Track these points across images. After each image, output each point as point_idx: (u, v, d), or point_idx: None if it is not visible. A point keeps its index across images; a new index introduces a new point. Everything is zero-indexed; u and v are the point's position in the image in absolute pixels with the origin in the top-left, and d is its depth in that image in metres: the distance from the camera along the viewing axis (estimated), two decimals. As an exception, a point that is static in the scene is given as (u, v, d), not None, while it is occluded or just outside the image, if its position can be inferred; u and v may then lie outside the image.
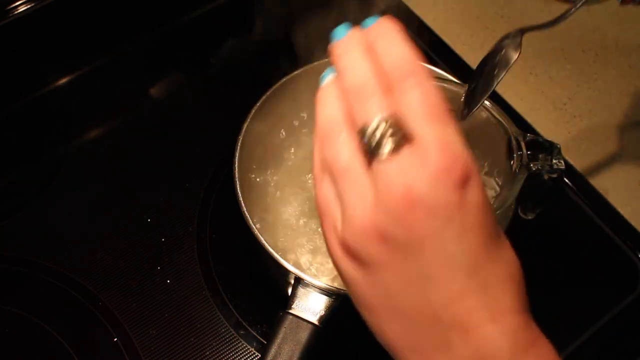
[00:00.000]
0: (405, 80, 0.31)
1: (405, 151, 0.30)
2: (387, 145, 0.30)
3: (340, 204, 0.32)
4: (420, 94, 0.31)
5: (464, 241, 0.30)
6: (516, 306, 0.31)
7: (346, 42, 0.34)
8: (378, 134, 0.30)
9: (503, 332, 0.30)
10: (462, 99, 0.48)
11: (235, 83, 0.76)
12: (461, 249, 0.30)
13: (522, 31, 0.48)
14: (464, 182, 0.30)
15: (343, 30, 0.35)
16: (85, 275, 0.63)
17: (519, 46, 0.47)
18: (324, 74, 0.35)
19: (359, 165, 0.31)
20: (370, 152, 0.30)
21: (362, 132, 0.31)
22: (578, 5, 0.48)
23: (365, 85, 0.32)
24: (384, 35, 0.33)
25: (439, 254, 0.30)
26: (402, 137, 0.30)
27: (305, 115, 0.65)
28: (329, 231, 0.33)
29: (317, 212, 0.34)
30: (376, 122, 0.30)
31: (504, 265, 0.31)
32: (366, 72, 0.32)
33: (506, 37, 0.48)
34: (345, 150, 0.31)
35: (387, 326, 0.32)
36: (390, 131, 0.30)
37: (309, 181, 0.64)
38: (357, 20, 0.61)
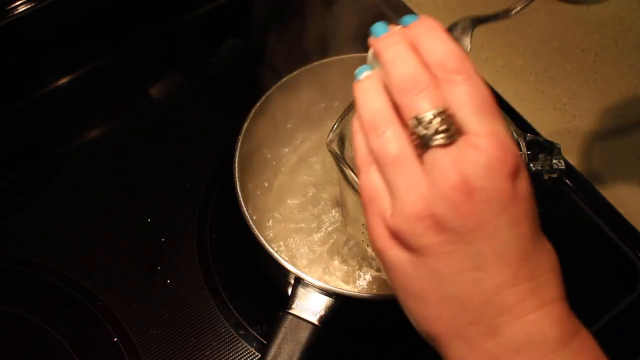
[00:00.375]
0: (457, 74, 0.32)
1: (460, 142, 0.31)
2: (441, 136, 0.31)
3: (391, 192, 0.33)
4: (472, 87, 0.32)
5: (515, 230, 0.31)
6: (560, 295, 0.32)
7: (390, 36, 0.35)
8: (433, 126, 0.31)
9: (552, 319, 0.31)
10: None
11: (235, 83, 0.76)
12: (513, 238, 0.31)
13: (474, 21, 0.44)
14: (515, 173, 0.31)
15: (382, 26, 0.36)
16: (85, 275, 0.63)
17: (469, 39, 0.43)
18: (359, 68, 0.36)
19: (411, 155, 0.32)
20: (424, 143, 0.31)
21: (413, 124, 0.32)
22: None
23: (417, 78, 0.32)
24: (429, 32, 0.34)
25: (493, 242, 0.31)
26: (455, 129, 0.31)
27: (313, 110, 0.65)
28: (376, 219, 0.33)
29: (361, 200, 0.35)
30: (431, 114, 0.31)
31: (547, 256, 0.33)
32: (416, 65, 0.33)
33: (454, 25, 0.45)
34: (396, 141, 0.33)
35: (433, 312, 0.32)
36: (444, 123, 0.31)
37: (308, 181, 0.64)
38: (355, 21, 0.61)
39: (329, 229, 0.61)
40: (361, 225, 0.51)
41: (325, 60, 0.60)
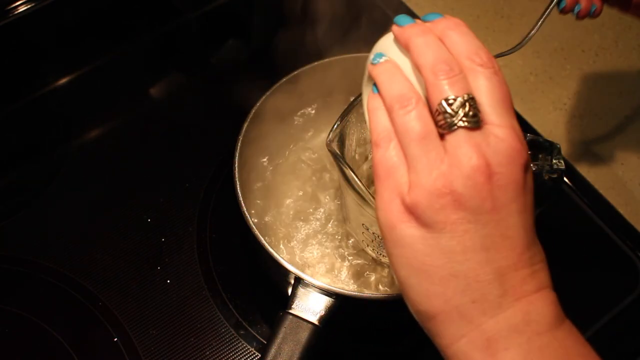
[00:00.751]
0: (484, 68, 0.34)
1: (484, 129, 0.33)
2: (468, 120, 0.33)
3: (411, 168, 0.34)
4: (497, 82, 0.34)
5: (522, 218, 0.33)
6: (551, 283, 0.34)
7: (417, 26, 0.36)
8: (461, 110, 0.33)
9: (547, 302, 0.33)
10: None
11: (235, 83, 0.76)
12: (520, 225, 0.33)
13: None
14: (527, 166, 0.33)
15: (406, 18, 0.37)
16: (85, 275, 0.63)
17: None
18: (376, 54, 0.38)
19: (435, 134, 0.33)
20: (449, 124, 0.33)
21: (443, 105, 0.33)
22: (534, 31, 0.49)
23: (450, 63, 0.34)
24: (457, 27, 0.36)
25: (504, 225, 0.33)
26: (481, 117, 0.33)
27: (313, 111, 0.65)
28: (390, 193, 0.34)
29: (374, 174, 0.35)
30: (461, 99, 0.33)
31: (540, 247, 0.35)
32: (446, 52, 0.35)
33: None
34: (422, 119, 0.34)
35: (437, 289, 0.33)
36: (472, 109, 0.33)
37: (308, 181, 0.64)
38: (355, 21, 0.61)
39: (329, 228, 0.61)
40: (361, 225, 0.51)
41: (325, 60, 0.60)
